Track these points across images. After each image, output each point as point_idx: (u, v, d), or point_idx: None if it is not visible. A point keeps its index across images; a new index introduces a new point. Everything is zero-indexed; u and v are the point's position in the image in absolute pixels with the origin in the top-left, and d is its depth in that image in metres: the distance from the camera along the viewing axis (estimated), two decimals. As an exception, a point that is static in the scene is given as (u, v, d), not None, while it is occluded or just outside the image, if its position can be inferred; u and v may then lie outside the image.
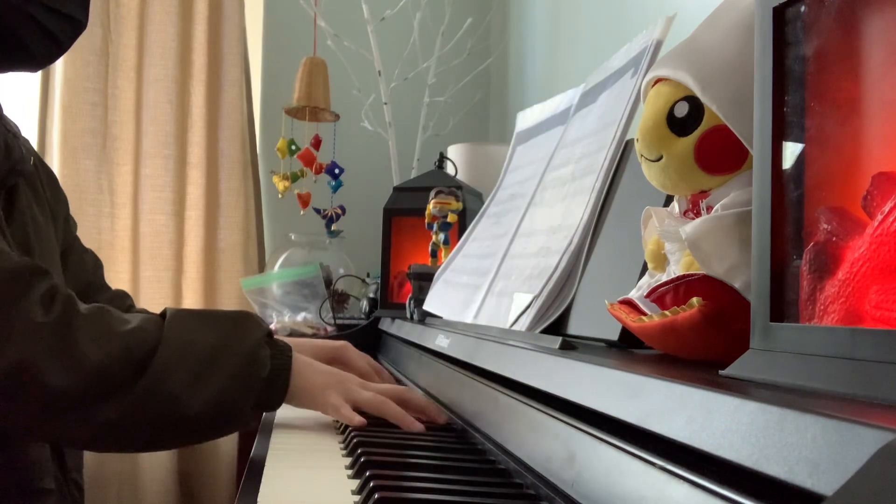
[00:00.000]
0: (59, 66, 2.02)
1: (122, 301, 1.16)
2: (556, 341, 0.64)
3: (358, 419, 0.82)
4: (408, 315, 1.29)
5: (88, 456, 1.89)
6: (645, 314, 0.55)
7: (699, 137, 0.53)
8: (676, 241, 0.55)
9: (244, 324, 0.83)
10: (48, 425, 0.77)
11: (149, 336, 0.77)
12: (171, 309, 0.83)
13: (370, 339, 1.55)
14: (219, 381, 0.78)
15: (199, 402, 0.77)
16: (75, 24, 0.92)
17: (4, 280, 0.75)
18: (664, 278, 0.55)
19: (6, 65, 0.91)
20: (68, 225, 1.13)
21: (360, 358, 1.04)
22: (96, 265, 1.16)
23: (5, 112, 0.94)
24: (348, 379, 0.89)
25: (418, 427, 0.84)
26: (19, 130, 0.98)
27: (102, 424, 0.75)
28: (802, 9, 0.39)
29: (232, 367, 0.79)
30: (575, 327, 0.76)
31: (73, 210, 2.01)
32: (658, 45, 0.81)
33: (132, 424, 0.76)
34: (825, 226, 0.37)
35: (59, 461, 0.93)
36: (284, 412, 0.96)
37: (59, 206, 1.09)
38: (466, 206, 1.35)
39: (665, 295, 0.52)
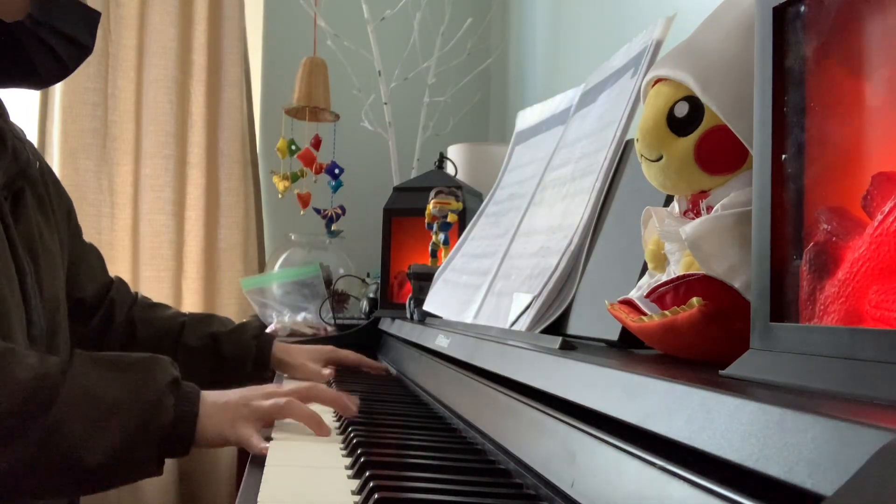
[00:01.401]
0: (59, 66, 2.02)
1: (125, 288, 1.23)
2: (556, 341, 0.64)
3: (260, 447, 0.77)
4: (408, 315, 1.29)
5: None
6: (645, 314, 0.55)
7: (699, 137, 0.53)
8: (676, 241, 0.55)
9: (151, 371, 0.81)
10: None
11: (49, 382, 0.75)
12: (80, 353, 0.81)
13: (370, 339, 1.55)
14: (118, 431, 0.76)
15: (97, 454, 0.75)
16: (82, 49, 0.97)
17: None
18: (664, 278, 0.55)
19: (13, 82, 0.95)
20: (77, 229, 1.14)
21: (350, 353, 1.08)
22: (101, 263, 1.21)
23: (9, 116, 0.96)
24: (250, 396, 0.85)
25: (324, 432, 0.82)
26: (24, 134, 1.00)
27: (2, 473, 0.73)
28: (802, 9, 0.39)
29: (133, 418, 0.77)
30: (575, 327, 0.76)
31: (73, 210, 2.02)
32: (658, 45, 0.81)
33: (28, 473, 0.74)
34: (825, 226, 0.37)
35: None
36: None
37: (63, 210, 1.10)
38: (466, 206, 1.35)
39: (665, 295, 0.52)
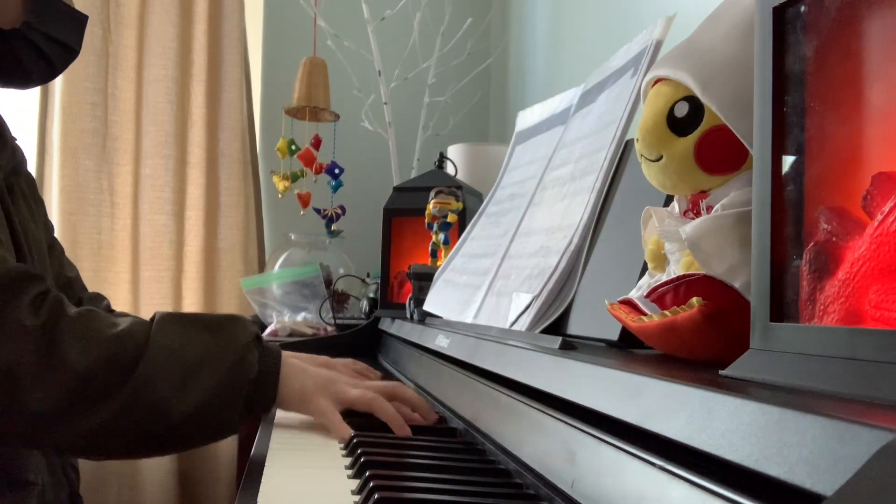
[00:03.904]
0: (59, 66, 2.03)
1: (99, 303, 1.15)
2: (556, 341, 0.64)
3: (344, 432, 0.79)
4: (408, 315, 1.29)
5: (88, 456, 1.90)
6: (645, 314, 0.55)
7: (699, 137, 0.53)
8: (676, 241, 0.55)
9: (232, 327, 0.82)
10: (33, 432, 0.77)
11: (135, 341, 0.76)
12: (161, 313, 0.82)
13: (370, 339, 1.55)
14: (205, 388, 0.77)
15: (184, 410, 0.76)
16: (70, 52, 1.01)
17: None
18: (664, 278, 0.55)
19: (3, 83, 0.99)
20: (48, 228, 1.14)
21: (347, 363, 1.02)
22: (73, 267, 1.18)
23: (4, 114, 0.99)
24: (339, 379, 0.87)
25: (406, 432, 0.82)
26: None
27: (87, 431, 0.74)
28: (802, 9, 0.39)
29: (218, 374, 0.78)
30: (575, 327, 0.76)
31: (73, 210, 2.03)
32: (658, 45, 0.81)
33: (117, 432, 0.75)
34: (825, 226, 0.37)
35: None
36: (284, 412, 0.96)
37: (40, 209, 1.11)
38: (466, 206, 1.35)
39: (665, 295, 0.52)
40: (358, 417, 0.85)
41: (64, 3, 0.99)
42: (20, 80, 0.99)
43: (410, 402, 0.88)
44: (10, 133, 0.99)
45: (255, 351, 0.81)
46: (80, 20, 1.02)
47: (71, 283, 1.12)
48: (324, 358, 0.98)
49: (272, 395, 0.82)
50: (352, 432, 0.78)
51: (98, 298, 1.16)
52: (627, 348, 0.65)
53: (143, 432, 0.76)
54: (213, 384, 0.77)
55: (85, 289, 1.17)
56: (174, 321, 0.81)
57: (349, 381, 0.87)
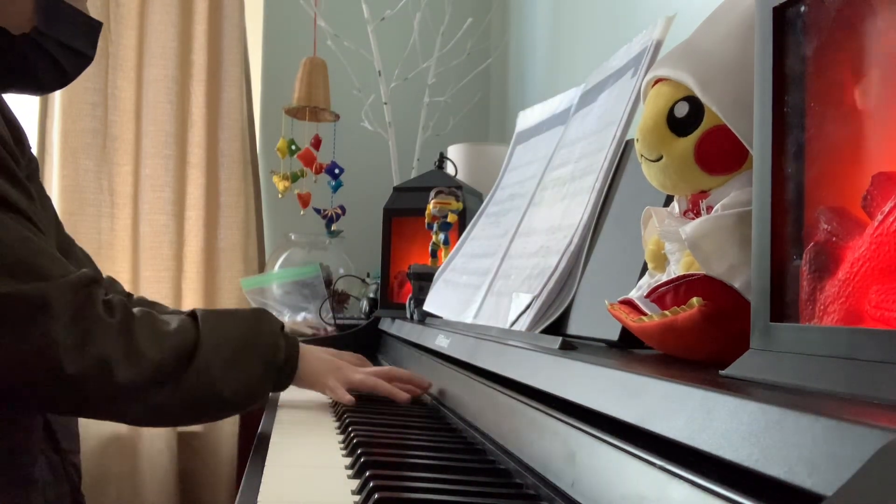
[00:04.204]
0: (59, 66, 2.02)
1: (114, 287, 1.25)
2: (556, 341, 0.64)
3: (349, 398, 0.99)
4: (408, 315, 1.29)
5: (89, 455, 1.89)
6: (645, 314, 0.55)
7: (699, 137, 0.53)
8: (676, 241, 0.55)
9: (264, 318, 1.00)
10: (112, 411, 0.89)
11: (190, 334, 0.91)
12: (199, 310, 0.96)
13: (370, 339, 1.55)
14: (248, 367, 0.93)
15: (232, 386, 0.91)
16: (83, 59, 1.01)
17: (76, 289, 0.84)
18: (664, 278, 0.55)
19: (15, 88, 1.00)
20: (59, 227, 1.15)
21: (351, 354, 1.17)
22: (87, 257, 1.21)
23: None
24: (344, 365, 1.05)
25: (405, 396, 1.02)
26: None
27: (156, 407, 0.88)
28: (802, 9, 0.39)
29: (259, 356, 0.95)
30: (575, 327, 0.76)
31: (73, 210, 2.03)
32: (658, 45, 0.81)
33: (180, 406, 0.89)
34: (825, 226, 0.37)
35: (55, 446, 0.95)
36: (284, 413, 0.96)
37: (48, 213, 1.11)
38: (466, 206, 1.35)
39: (665, 295, 0.52)
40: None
41: (77, 9, 0.98)
42: (34, 86, 1.00)
43: (404, 379, 1.06)
44: (28, 140, 0.99)
45: (282, 339, 0.99)
46: (94, 27, 1.01)
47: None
48: (332, 350, 1.13)
49: (292, 376, 1.00)
50: (354, 400, 0.99)
51: (113, 283, 1.25)
52: (627, 348, 0.65)
53: (198, 406, 0.91)
54: (254, 366, 0.94)
55: (122, 290, 1.25)
56: (215, 315, 0.95)
57: (353, 367, 1.05)
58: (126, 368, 0.85)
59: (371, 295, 1.80)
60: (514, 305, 0.85)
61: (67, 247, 1.15)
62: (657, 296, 0.53)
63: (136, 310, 0.91)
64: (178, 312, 1.28)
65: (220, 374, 0.91)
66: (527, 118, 1.23)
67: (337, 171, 2.08)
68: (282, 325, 1.01)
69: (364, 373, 1.04)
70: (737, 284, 0.48)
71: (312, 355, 1.03)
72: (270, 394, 1.01)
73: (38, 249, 0.84)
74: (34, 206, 0.90)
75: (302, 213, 2.10)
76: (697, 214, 0.54)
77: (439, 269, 1.24)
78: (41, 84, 1.00)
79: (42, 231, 0.89)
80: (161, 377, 0.87)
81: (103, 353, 0.84)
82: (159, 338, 0.89)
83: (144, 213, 2.13)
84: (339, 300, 1.91)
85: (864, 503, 0.24)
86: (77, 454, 1.03)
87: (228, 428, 2.09)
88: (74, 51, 0.98)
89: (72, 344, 0.82)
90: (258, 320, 0.99)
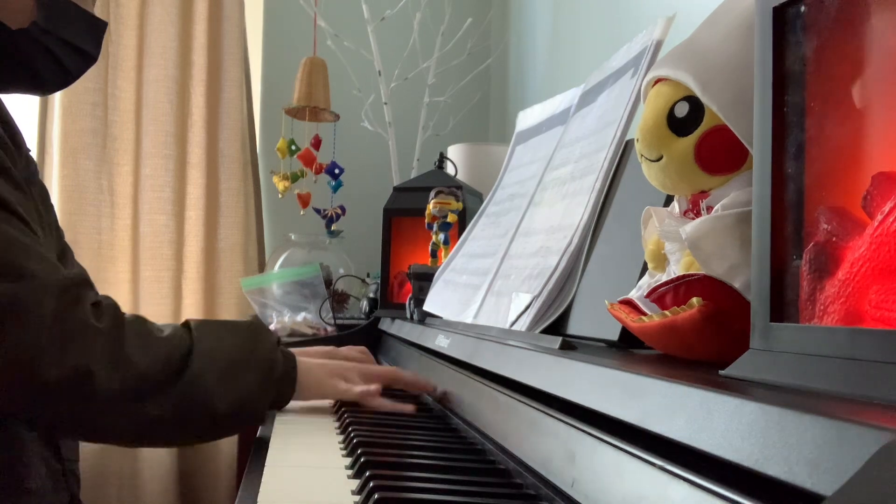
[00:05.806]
0: (59, 66, 2.02)
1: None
2: (556, 341, 0.64)
3: (359, 390, 0.95)
4: (408, 315, 1.29)
5: (88, 456, 1.89)
6: (645, 314, 0.55)
7: (699, 137, 0.53)
8: (676, 241, 0.55)
9: (260, 331, 0.94)
10: (97, 424, 0.83)
11: (183, 342, 0.86)
12: (193, 319, 0.91)
13: (370, 339, 1.54)
14: (243, 382, 0.87)
15: (227, 399, 0.85)
16: (87, 59, 0.99)
17: (60, 291, 0.79)
18: (664, 278, 0.55)
19: (16, 88, 0.98)
20: (59, 235, 1.14)
21: (351, 349, 1.13)
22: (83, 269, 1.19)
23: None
24: (348, 369, 1.00)
25: (405, 410, 0.95)
26: None
27: (145, 422, 0.82)
28: (802, 9, 0.39)
29: (255, 371, 0.89)
30: (575, 327, 0.76)
31: (73, 210, 2.03)
32: (658, 45, 0.81)
33: (170, 420, 0.83)
34: (825, 226, 0.37)
35: (56, 454, 0.94)
36: (283, 413, 0.96)
37: (50, 216, 1.11)
38: (466, 206, 1.35)
39: (665, 295, 0.52)
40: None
41: (81, 7, 0.96)
42: (35, 85, 0.98)
43: (409, 381, 1.03)
44: (25, 143, 0.98)
45: (278, 353, 0.93)
46: (99, 27, 0.99)
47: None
48: (328, 348, 1.09)
49: (291, 390, 0.94)
50: (369, 390, 0.96)
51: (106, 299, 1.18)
52: (627, 348, 0.65)
53: (190, 423, 0.85)
54: (249, 381, 0.88)
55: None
56: (210, 325, 0.90)
57: (353, 371, 1.00)
58: (109, 376, 0.79)
59: (371, 295, 1.80)
60: (514, 305, 0.85)
61: (65, 254, 1.13)
62: (657, 296, 0.53)
63: (128, 314, 0.86)
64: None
65: (215, 386, 0.85)
66: (527, 118, 1.23)
67: (337, 171, 2.08)
68: (278, 339, 0.95)
69: (364, 382, 0.99)
70: (737, 284, 0.48)
71: (311, 365, 0.97)
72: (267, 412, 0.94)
73: (25, 250, 0.80)
74: (29, 205, 0.89)
75: (302, 213, 2.10)
76: (697, 214, 0.54)
77: (439, 269, 1.24)
78: (43, 83, 0.98)
79: (35, 232, 0.86)
80: (149, 386, 0.82)
81: (86, 358, 0.78)
82: (150, 344, 0.84)
83: (144, 213, 2.13)
84: (339, 300, 1.91)
85: (864, 503, 0.24)
86: (77, 462, 1.02)
87: (228, 428, 2.09)
88: (78, 49, 0.97)
89: (51, 348, 0.77)
90: (255, 332, 0.93)
